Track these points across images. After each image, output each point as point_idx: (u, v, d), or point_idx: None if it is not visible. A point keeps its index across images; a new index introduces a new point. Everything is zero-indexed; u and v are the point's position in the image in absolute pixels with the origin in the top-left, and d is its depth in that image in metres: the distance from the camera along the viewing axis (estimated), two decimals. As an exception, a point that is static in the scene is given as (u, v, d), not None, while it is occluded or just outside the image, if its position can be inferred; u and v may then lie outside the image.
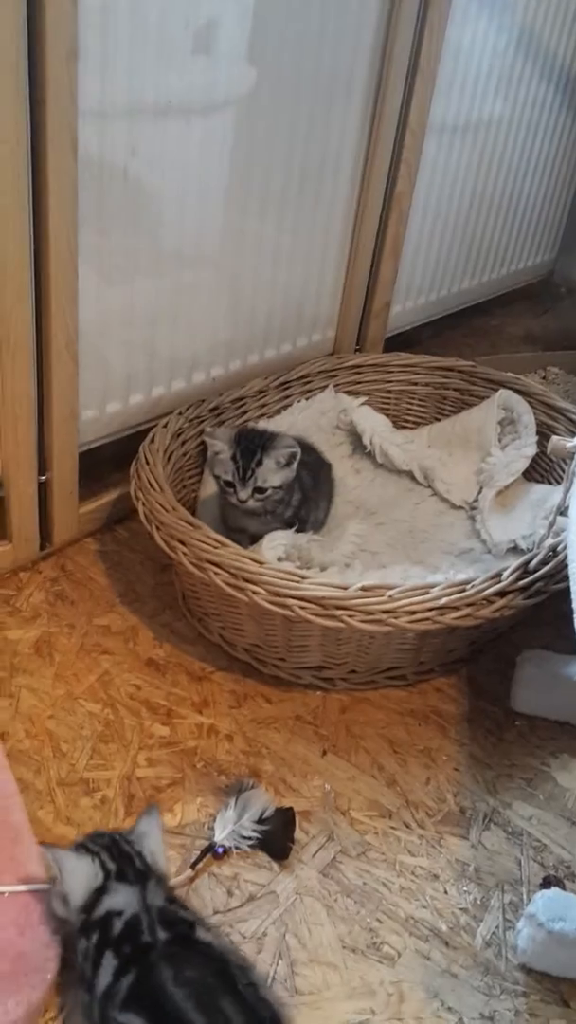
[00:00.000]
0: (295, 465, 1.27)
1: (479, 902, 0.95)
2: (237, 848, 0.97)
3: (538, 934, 0.86)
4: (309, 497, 1.37)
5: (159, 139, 1.24)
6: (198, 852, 0.96)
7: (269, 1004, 0.74)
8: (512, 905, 0.95)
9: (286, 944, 0.89)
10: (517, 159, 2.05)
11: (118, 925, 0.77)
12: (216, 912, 0.91)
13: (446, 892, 0.96)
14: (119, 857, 0.82)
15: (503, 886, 0.97)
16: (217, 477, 1.28)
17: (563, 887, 0.95)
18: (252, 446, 1.24)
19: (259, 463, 1.24)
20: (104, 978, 0.75)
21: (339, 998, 0.85)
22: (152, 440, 1.33)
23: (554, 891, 0.89)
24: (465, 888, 0.96)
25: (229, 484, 1.26)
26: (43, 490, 1.30)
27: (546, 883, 0.96)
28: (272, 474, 1.25)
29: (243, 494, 1.24)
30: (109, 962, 0.75)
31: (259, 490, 1.25)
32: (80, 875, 0.80)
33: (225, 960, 0.76)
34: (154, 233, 1.32)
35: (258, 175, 1.42)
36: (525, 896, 0.96)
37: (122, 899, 0.79)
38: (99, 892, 0.79)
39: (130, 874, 0.81)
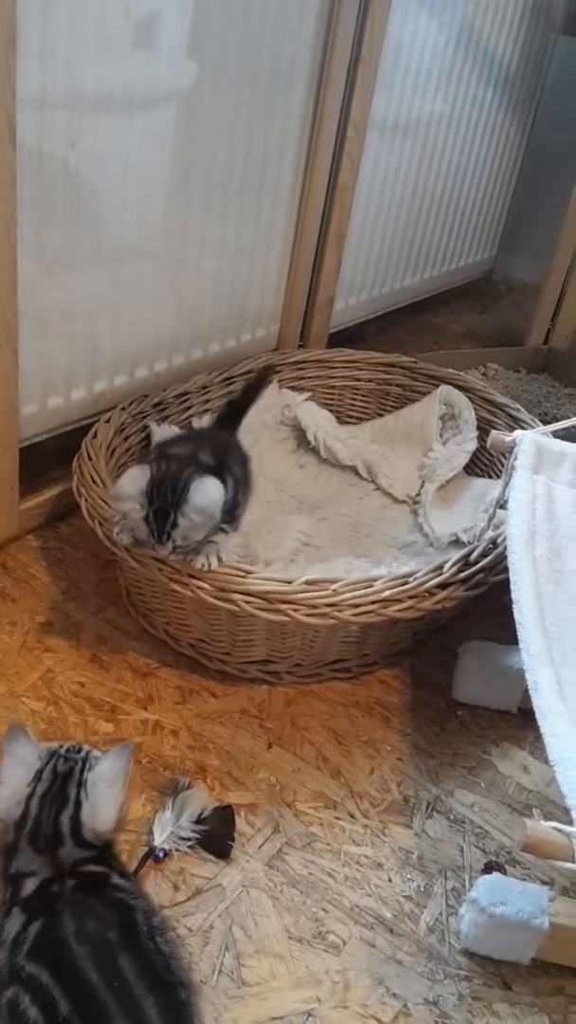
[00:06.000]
0: (219, 511, 1.07)
1: (423, 889, 0.97)
2: (177, 850, 0.97)
3: (480, 918, 0.88)
4: (239, 502, 1.22)
5: (100, 132, 1.23)
6: (144, 849, 0.95)
7: (170, 962, 0.75)
8: (455, 891, 0.97)
9: (232, 936, 0.90)
10: (457, 157, 2.08)
11: (29, 886, 0.78)
12: (162, 907, 0.91)
13: (390, 880, 0.97)
14: (52, 799, 0.83)
15: (446, 873, 0.99)
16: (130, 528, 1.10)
17: (504, 872, 0.97)
18: (165, 506, 1.04)
19: (174, 524, 1.04)
20: (12, 926, 0.76)
21: (286, 988, 0.86)
22: (94, 435, 1.32)
23: (495, 876, 0.91)
24: (409, 876, 0.98)
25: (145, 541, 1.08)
26: (-17, 486, 1.28)
27: (488, 869, 0.97)
28: (192, 530, 1.05)
29: (162, 552, 1.06)
30: (18, 914, 0.77)
31: (180, 546, 1.07)
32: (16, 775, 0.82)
33: (130, 911, 0.78)
34: (95, 226, 1.30)
35: (200, 169, 1.42)
36: (467, 882, 0.97)
37: (29, 863, 0.80)
38: (10, 851, 0.80)
39: (41, 832, 0.81)
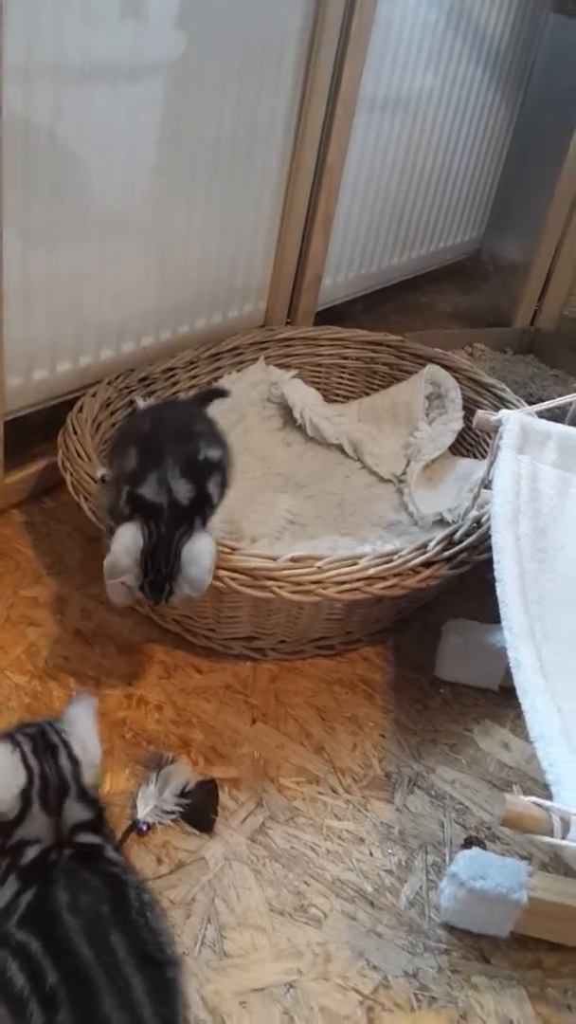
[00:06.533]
0: (212, 568, 1.04)
1: (403, 863, 0.98)
2: (160, 823, 0.97)
3: (460, 892, 0.89)
4: (224, 492, 1.16)
5: (86, 102, 1.22)
6: (128, 823, 0.96)
7: (159, 940, 0.76)
8: (435, 866, 0.98)
9: (215, 909, 0.91)
10: (447, 136, 2.07)
11: (29, 854, 0.78)
12: (146, 879, 0.92)
13: (371, 854, 0.98)
14: (44, 750, 0.83)
15: (427, 848, 1.00)
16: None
17: (484, 847, 0.98)
18: (160, 579, 1.03)
19: (171, 593, 1.04)
20: (5, 894, 0.76)
21: (267, 959, 0.87)
22: (80, 409, 1.31)
23: (475, 851, 0.92)
24: (390, 850, 0.99)
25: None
26: (-33, 460, 1.27)
27: (468, 844, 0.99)
28: (189, 587, 1.03)
29: (157, 604, 1.07)
30: (12, 883, 0.77)
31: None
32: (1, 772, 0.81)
33: (123, 886, 0.78)
34: (81, 197, 1.29)
35: (187, 142, 1.41)
36: (448, 857, 0.98)
37: (37, 829, 0.80)
38: (15, 823, 0.79)
39: (54, 782, 0.82)
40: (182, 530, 1.04)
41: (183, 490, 1.07)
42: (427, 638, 1.25)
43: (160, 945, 0.76)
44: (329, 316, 1.90)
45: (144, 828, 0.96)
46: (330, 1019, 0.83)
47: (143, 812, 0.97)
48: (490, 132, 2.24)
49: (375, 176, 1.88)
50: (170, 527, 1.04)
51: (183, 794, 0.99)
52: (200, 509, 1.07)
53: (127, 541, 1.03)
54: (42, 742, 0.84)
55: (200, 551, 1.03)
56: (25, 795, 0.81)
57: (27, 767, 0.82)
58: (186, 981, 0.77)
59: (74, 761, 0.84)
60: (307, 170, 1.62)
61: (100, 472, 1.19)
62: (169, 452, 1.10)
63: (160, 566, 1.03)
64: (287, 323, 1.79)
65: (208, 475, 1.11)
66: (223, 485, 1.14)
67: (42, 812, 0.81)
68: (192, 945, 0.87)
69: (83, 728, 0.87)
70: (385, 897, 0.94)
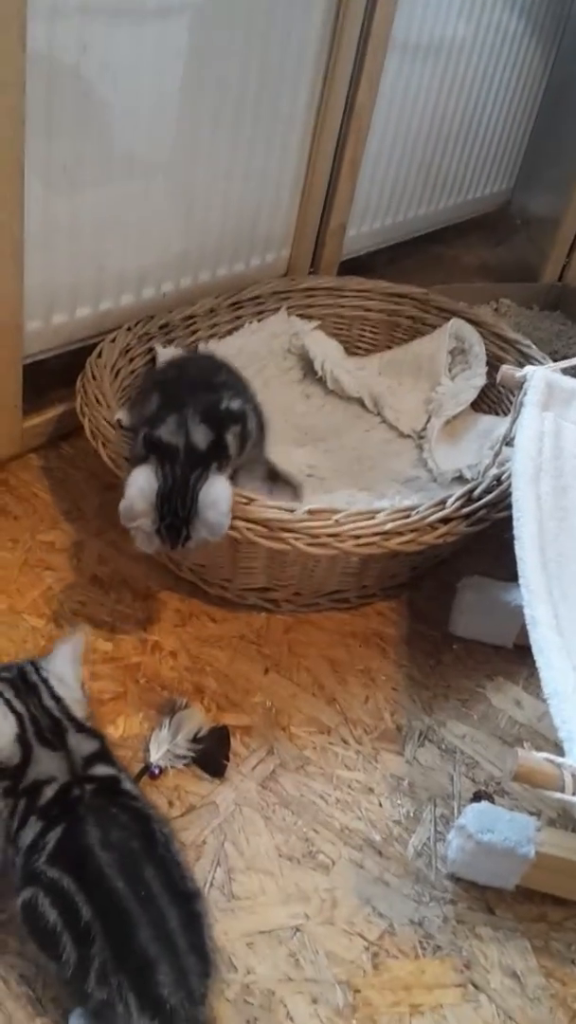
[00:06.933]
0: (229, 513, 1.03)
1: (412, 815, 0.98)
2: (172, 767, 0.98)
3: (467, 844, 0.89)
4: (244, 448, 1.13)
5: (111, 41, 1.19)
6: (140, 766, 0.97)
7: (184, 873, 0.78)
8: (443, 818, 0.99)
9: (224, 852, 0.92)
10: (478, 84, 2.02)
11: (47, 793, 0.79)
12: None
13: (380, 805, 0.99)
14: (27, 692, 0.84)
15: (435, 800, 1.00)
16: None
17: (492, 802, 0.98)
18: (177, 522, 1.02)
19: (187, 537, 1.03)
20: (29, 834, 0.77)
21: (275, 903, 0.88)
22: (99, 355, 1.30)
23: (484, 804, 0.93)
24: (399, 801, 1.00)
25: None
26: (-14, 403, 1.27)
27: (477, 798, 0.99)
28: (207, 532, 1.03)
29: (173, 548, 1.05)
30: (34, 823, 0.78)
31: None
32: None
33: (148, 821, 0.79)
34: (104, 139, 1.27)
35: (214, 84, 1.37)
36: (456, 810, 0.99)
37: (47, 767, 0.80)
38: (22, 766, 0.80)
39: (45, 721, 0.83)
40: (198, 473, 1.03)
41: (201, 434, 1.05)
42: (442, 595, 1.25)
43: (186, 879, 0.78)
44: (353, 267, 1.87)
45: (156, 771, 0.97)
46: (335, 963, 0.84)
47: (156, 756, 0.98)
48: (523, 82, 2.18)
49: (404, 122, 1.84)
50: (186, 470, 1.03)
51: (195, 739, 1.00)
52: (216, 455, 1.06)
53: (141, 484, 1.02)
54: (22, 684, 0.85)
55: (218, 495, 1.02)
56: (22, 739, 0.81)
57: (15, 712, 0.83)
58: (210, 913, 0.79)
59: (56, 698, 0.85)
60: (335, 112, 1.58)
61: (118, 415, 1.18)
62: (190, 398, 1.09)
63: (176, 509, 1.01)
64: (310, 273, 1.76)
65: (228, 425, 1.09)
66: (243, 438, 1.12)
67: (45, 750, 0.81)
68: (201, 886, 0.88)
69: (60, 665, 0.87)
70: (393, 847, 0.95)
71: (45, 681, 0.86)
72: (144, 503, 1.01)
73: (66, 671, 0.88)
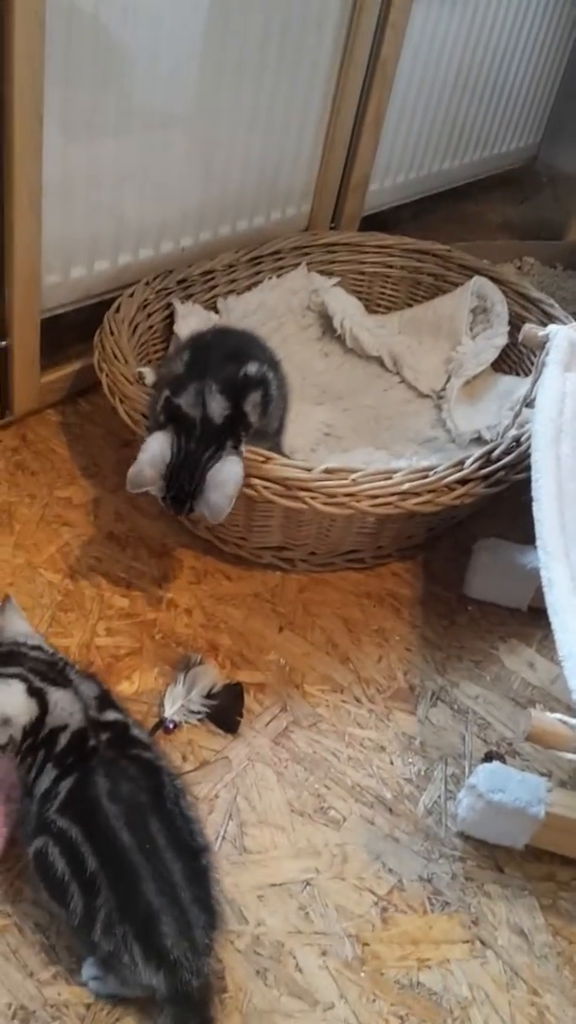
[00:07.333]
0: (236, 494, 1.02)
1: (423, 773, 0.99)
2: (187, 722, 0.99)
3: (478, 804, 0.90)
4: (265, 413, 1.13)
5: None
6: (155, 721, 0.98)
7: (193, 828, 0.79)
8: (454, 777, 0.99)
9: (236, 806, 0.93)
10: (507, 36, 1.96)
11: (62, 741, 0.80)
12: (170, 775, 0.94)
13: (392, 763, 1.00)
14: (9, 657, 0.85)
15: (447, 759, 1.01)
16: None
17: (504, 762, 0.99)
18: (182, 496, 1.03)
19: (191, 510, 1.04)
20: (45, 781, 0.79)
21: (286, 857, 0.90)
22: (117, 309, 1.29)
23: (495, 764, 0.93)
24: (410, 760, 1.00)
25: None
26: (3, 357, 1.26)
27: (488, 758, 1.00)
28: (207, 511, 1.03)
29: (177, 516, 1.08)
30: (50, 770, 0.79)
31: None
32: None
33: (158, 774, 0.80)
34: (124, 90, 1.24)
35: (236, 32, 1.34)
36: (467, 769, 1.00)
37: (65, 711, 0.81)
38: (41, 718, 0.81)
39: (43, 668, 0.84)
40: (212, 451, 1.03)
41: (218, 406, 1.05)
42: (458, 556, 1.24)
43: (193, 833, 0.79)
44: (375, 222, 1.84)
45: (171, 726, 0.98)
46: (345, 916, 0.85)
47: (170, 711, 0.99)
48: (552, 35, 2.12)
49: (430, 74, 1.79)
50: (200, 446, 1.03)
51: (210, 695, 1.01)
52: (233, 429, 1.05)
53: (154, 452, 1.02)
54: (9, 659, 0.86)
55: (226, 477, 1.02)
56: (32, 691, 0.81)
57: (12, 676, 0.83)
58: (218, 867, 0.80)
59: (37, 647, 0.86)
60: (360, 63, 1.55)
61: (137, 369, 1.18)
62: (214, 368, 1.08)
63: (184, 484, 1.02)
64: (331, 228, 1.73)
65: (247, 393, 1.08)
66: (264, 405, 1.11)
67: (58, 690, 0.82)
68: (213, 839, 0.89)
69: (17, 625, 0.89)
70: (403, 804, 0.96)
71: (15, 642, 0.86)
72: (153, 471, 1.02)
73: (23, 627, 0.89)
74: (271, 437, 1.19)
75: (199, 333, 1.23)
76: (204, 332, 1.23)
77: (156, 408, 1.07)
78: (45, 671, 0.84)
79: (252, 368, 1.10)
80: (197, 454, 1.02)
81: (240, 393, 1.07)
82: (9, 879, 0.84)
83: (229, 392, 1.06)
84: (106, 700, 0.85)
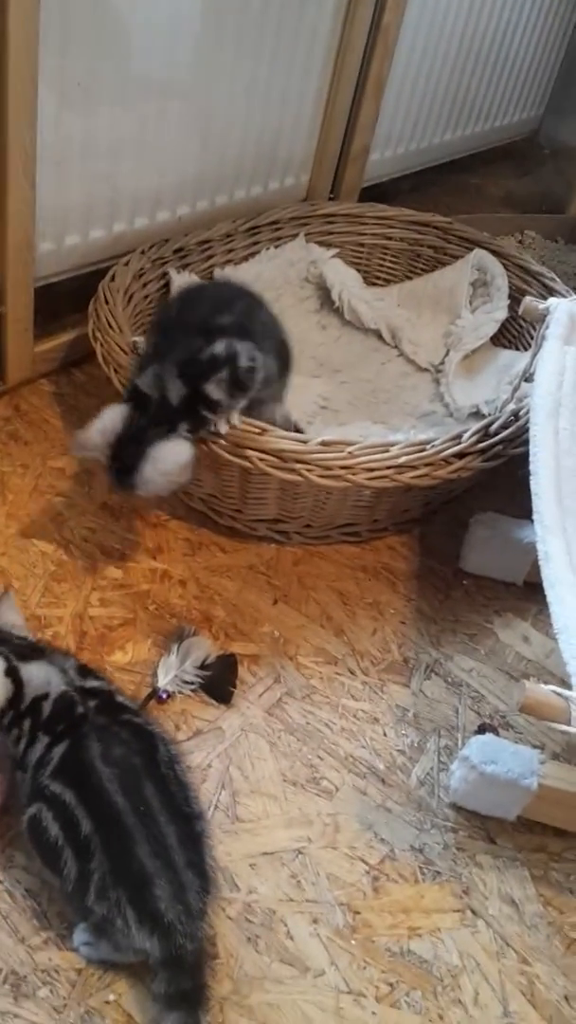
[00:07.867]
0: (183, 475, 1.02)
1: (416, 745, 0.99)
2: (180, 692, 0.99)
3: (470, 775, 0.90)
4: (243, 394, 1.07)
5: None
6: (148, 690, 0.98)
7: (187, 794, 0.79)
8: (447, 749, 0.99)
9: (229, 776, 0.93)
10: (510, 6, 1.94)
11: (46, 708, 0.80)
12: (163, 745, 0.94)
13: (385, 734, 1.00)
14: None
15: (440, 731, 1.01)
16: None
17: (497, 734, 0.99)
18: (123, 468, 1.02)
19: (132, 485, 1.02)
20: (37, 750, 0.79)
21: (278, 826, 0.90)
22: (112, 278, 1.28)
23: (488, 736, 0.93)
24: (403, 732, 1.00)
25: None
26: (-3, 325, 1.25)
27: (481, 730, 1.00)
28: (140, 484, 1.02)
29: (117, 491, 1.07)
30: (42, 737, 0.79)
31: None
32: None
33: (151, 738, 0.81)
34: (121, 56, 1.22)
35: (235, -3, 1.32)
36: (460, 742, 1.00)
37: (41, 679, 0.82)
38: (18, 692, 0.81)
39: (20, 647, 0.84)
40: (162, 429, 1.02)
41: (176, 389, 1.02)
42: (454, 531, 1.24)
43: (188, 799, 0.79)
44: (375, 194, 1.82)
45: (164, 696, 0.98)
46: (336, 885, 0.86)
47: (163, 681, 0.99)
48: (556, 6, 2.09)
49: (432, 43, 1.77)
50: (151, 423, 1.02)
51: (203, 666, 1.01)
52: (190, 412, 1.03)
53: (106, 423, 1.02)
54: None
55: (167, 454, 1.01)
56: (8, 671, 0.81)
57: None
58: (211, 834, 0.80)
59: (22, 637, 0.87)
60: (361, 29, 1.52)
61: (133, 338, 1.17)
62: (178, 346, 1.05)
63: (124, 456, 1.01)
64: (330, 198, 1.72)
65: (208, 375, 1.02)
66: (237, 380, 1.04)
67: (31, 663, 0.82)
68: (206, 809, 0.89)
69: (10, 616, 0.90)
70: (396, 775, 0.96)
71: (4, 631, 0.87)
72: (100, 439, 1.02)
73: (16, 619, 0.90)
74: (268, 402, 1.16)
75: (166, 306, 1.20)
76: (171, 303, 1.19)
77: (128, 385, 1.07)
78: (21, 651, 0.84)
79: (219, 347, 1.04)
80: (144, 430, 1.02)
81: (201, 376, 1.03)
82: (0, 846, 0.84)
83: (188, 376, 1.02)
84: (85, 669, 0.86)
